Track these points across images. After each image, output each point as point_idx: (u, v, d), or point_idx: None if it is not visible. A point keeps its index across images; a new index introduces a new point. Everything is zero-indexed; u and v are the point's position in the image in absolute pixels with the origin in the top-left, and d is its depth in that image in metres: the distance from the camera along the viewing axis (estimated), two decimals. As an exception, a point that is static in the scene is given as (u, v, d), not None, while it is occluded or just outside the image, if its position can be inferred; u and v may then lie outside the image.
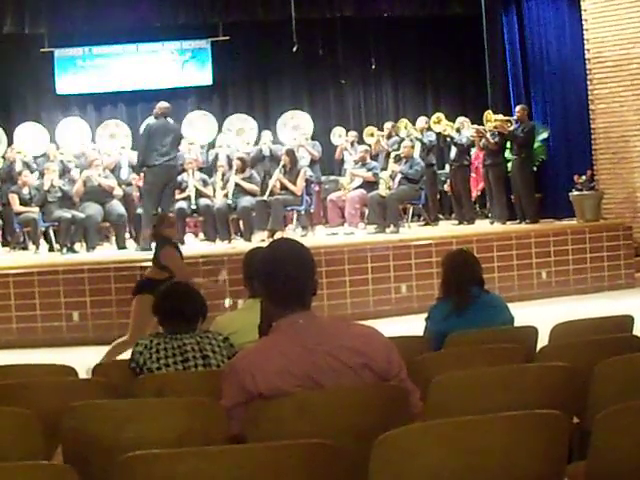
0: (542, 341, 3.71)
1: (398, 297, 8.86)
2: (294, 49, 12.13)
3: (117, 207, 10.30)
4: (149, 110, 10.00)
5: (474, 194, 11.93)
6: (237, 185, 10.41)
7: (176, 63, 13.79)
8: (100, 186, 10.33)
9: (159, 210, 9.01)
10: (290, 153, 10.63)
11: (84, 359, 4.55)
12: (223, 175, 10.77)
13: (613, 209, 11.11)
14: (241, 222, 10.57)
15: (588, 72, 11.27)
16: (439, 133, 11.45)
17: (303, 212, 10.74)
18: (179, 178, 10.20)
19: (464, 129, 11.42)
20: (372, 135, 12.09)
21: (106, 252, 10.00)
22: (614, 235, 9.94)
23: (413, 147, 10.93)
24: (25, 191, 10.35)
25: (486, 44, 12.26)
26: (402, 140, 11.34)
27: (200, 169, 11.17)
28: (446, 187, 11.91)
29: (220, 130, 12.50)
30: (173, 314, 3.67)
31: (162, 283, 5.89)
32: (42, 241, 10.31)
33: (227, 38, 13.40)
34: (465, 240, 9.14)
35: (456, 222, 11.35)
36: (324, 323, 2.52)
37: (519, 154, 10.67)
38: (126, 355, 4.80)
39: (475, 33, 12.51)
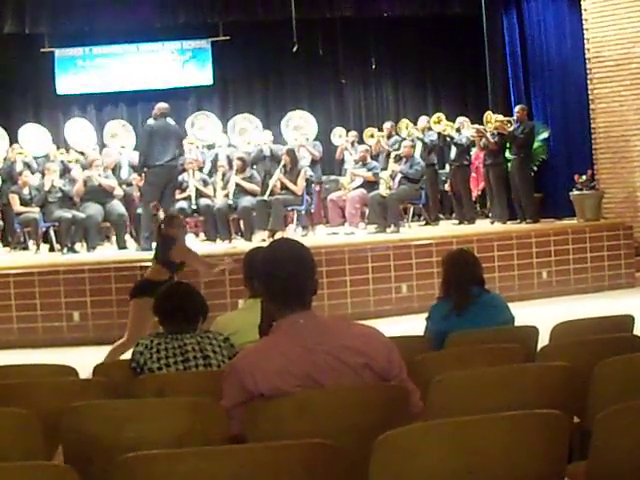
0: (542, 341, 3.71)
1: (398, 297, 8.86)
2: (294, 49, 12.12)
3: (118, 207, 10.29)
4: (149, 110, 10.00)
5: (475, 194, 11.93)
6: (238, 185, 10.42)
7: (176, 63, 13.80)
8: (100, 186, 10.33)
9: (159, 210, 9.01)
10: (290, 153, 10.63)
11: (85, 359, 4.54)
12: (223, 175, 10.78)
13: (613, 209, 11.11)
14: (241, 222, 10.57)
15: (588, 72, 11.26)
16: (439, 133, 11.46)
17: (303, 212, 10.74)
18: (179, 178, 10.20)
19: (464, 129, 11.42)
20: (372, 136, 12.10)
21: (107, 252, 9.99)
22: (614, 235, 9.94)
23: (413, 147, 10.94)
24: (26, 191, 10.35)
25: (486, 44, 12.27)
26: (402, 140, 11.35)
27: (200, 169, 11.18)
28: (446, 187, 11.91)
29: (225, 130, 12.50)
30: (174, 314, 3.67)
31: (161, 285, 5.91)
32: (42, 241, 10.31)
33: (227, 38, 13.41)
34: (465, 240, 9.14)
35: (456, 222, 11.34)
36: (324, 323, 2.52)
37: (518, 154, 10.67)
38: (127, 355, 4.81)
39: (475, 33, 12.52)
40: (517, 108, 10.98)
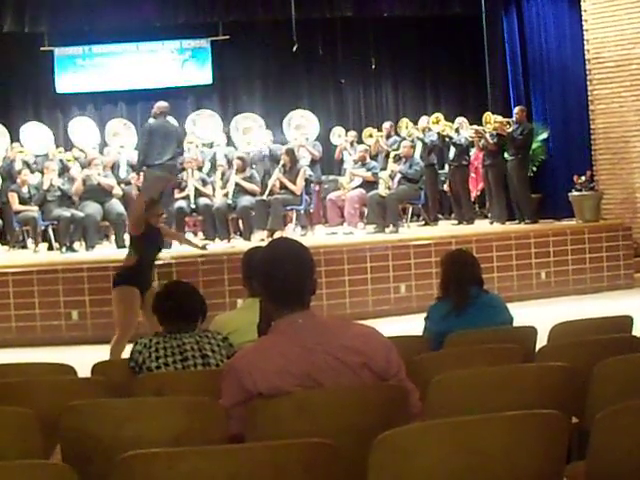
0: (541, 341, 3.71)
1: (397, 297, 8.86)
2: (294, 49, 12.13)
3: (116, 206, 10.29)
4: (149, 109, 9.99)
5: (474, 194, 11.93)
6: (237, 185, 10.41)
7: (176, 62, 13.80)
8: (99, 185, 10.33)
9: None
10: (290, 152, 10.63)
11: (84, 358, 4.53)
12: (223, 174, 10.78)
13: (612, 209, 11.11)
14: (240, 221, 10.57)
15: (588, 72, 11.27)
16: (438, 133, 11.46)
17: (302, 212, 10.74)
18: (178, 177, 10.20)
19: (463, 129, 11.42)
20: (371, 136, 12.09)
21: (105, 251, 9.98)
22: (613, 235, 9.94)
23: (413, 147, 10.94)
24: (24, 190, 10.34)
25: (486, 44, 12.27)
26: (402, 140, 11.35)
27: (200, 168, 11.17)
28: (445, 187, 11.91)
29: (224, 130, 12.48)
30: (173, 313, 3.67)
31: (132, 269, 5.88)
32: (41, 240, 10.30)
33: (227, 37, 13.41)
34: (464, 240, 9.15)
35: (455, 222, 11.35)
36: (323, 323, 2.52)
37: (516, 155, 10.67)
38: (126, 354, 4.80)
39: (475, 33, 12.52)
40: (516, 109, 10.98)
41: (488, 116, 11.03)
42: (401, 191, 10.58)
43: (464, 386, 2.67)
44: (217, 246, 9.81)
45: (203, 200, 10.44)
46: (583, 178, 10.61)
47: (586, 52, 11.28)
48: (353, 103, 14.62)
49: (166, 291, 3.88)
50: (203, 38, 13.69)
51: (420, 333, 4.15)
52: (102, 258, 8.83)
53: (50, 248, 10.31)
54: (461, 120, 11.70)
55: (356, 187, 10.97)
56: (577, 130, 11.60)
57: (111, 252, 9.74)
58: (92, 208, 10.12)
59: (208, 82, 13.85)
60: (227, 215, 10.37)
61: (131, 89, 13.64)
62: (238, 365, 2.43)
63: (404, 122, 11.80)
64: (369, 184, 10.83)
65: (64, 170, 11.04)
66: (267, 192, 10.20)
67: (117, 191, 10.55)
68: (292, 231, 10.45)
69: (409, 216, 11.07)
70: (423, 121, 11.73)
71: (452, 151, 11.30)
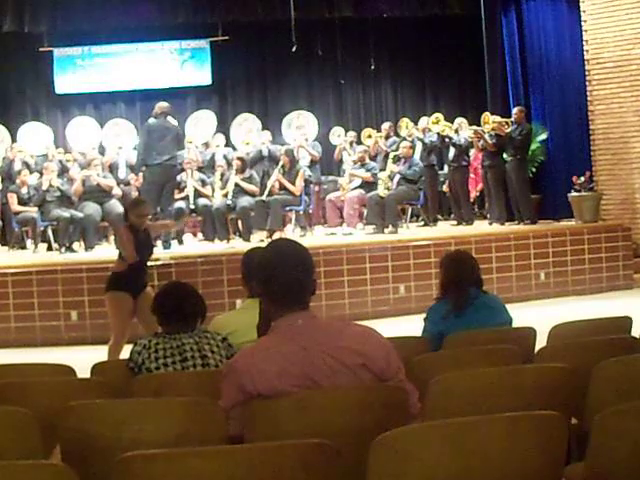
0: (540, 342, 3.71)
1: (396, 297, 8.86)
2: (294, 49, 12.14)
3: (116, 206, 10.27)
4: (148, 110, 10.00)
5: (473, 195, 11.94)
6: (236, 185, 10.42)
7: (175, 63, 13.80)
8: (99, 185, 10.33)
9: (158, 210, 9.00)
10: (289, 153, 10.63)
11: (83, 359, 4.53)
12: (222, 175, 10.78)
13: (612, 210, 11.11)
14: (240, 222, 10.57)
15: (587, 73, 11.26)
16: (438, 133, 11.46)
17: (302, 212, 10.74)
18: (178, 178, 10.20)
19: (462, 130, 11.42)
20: (370, 137, 12.10)
21: (104, 251, 9.96)
22: (613, 236, 9.94)
23: (412, 148, 10.93)
24: (24, 190, 10.35)
25: (485, 45, 12.27)
26: (401, 140, 11.35)
27: (199, 169, 11.17)
28: (445, 188, 11.91)
29: (223, 130, 12.48)
30: (172, 314, 3.67)
31: (123, 274, 5.87)
32: (40, 240, 10.30)
33: (227, 38, 13.41)
34: (464, 241, 9.15)
35: (455, 223, 11.35)
36: (323, 323, 2.52)
37: (515, 156, 10.67)
38: (125, 354, 4.80)
39: (475, 33, 12.52)
40: (515, 110, 10.98)
41: (486, 116, 11.03)
42: (400, 192, 10.58)
43: (463, 387, 2.67)
44: (216, 246, 9.81)
45: (202, 200, 10.45)
46: (582, 179, 10.61)
47: (585, 53, 11.27)
48: (352, 103, 14.62)
49: (165, 292, 3.88)
50: (202, 39, 13.69)
51: (419, 334, 4.15)
52: (101, 259, 8.82)
53: (49, 248, 10.31)
54: (460, 121, 11.71)
55: (355, 188, 10.97)
56: (576, 131, 11.60)
57: (110, 252, 9.72)
58: (91, 209, 10.12)
59: (207, 82, 13.85)
60: (226, 216, 10.37)
61: (130, 89, 13.64)
62: (238, 366, 2.43)
63: (404, 122, 11.79)
64: (368, 185, 10.83)
65: (63, 170, 11.05)
66: (266, 193, 10.20)
67: (116, 191, 10.55)
68: (291, 232, 10.45)
69: (408, 217, 11.07)
70: (423, 121, 11.73)
71: (451, 152, 11.30)
